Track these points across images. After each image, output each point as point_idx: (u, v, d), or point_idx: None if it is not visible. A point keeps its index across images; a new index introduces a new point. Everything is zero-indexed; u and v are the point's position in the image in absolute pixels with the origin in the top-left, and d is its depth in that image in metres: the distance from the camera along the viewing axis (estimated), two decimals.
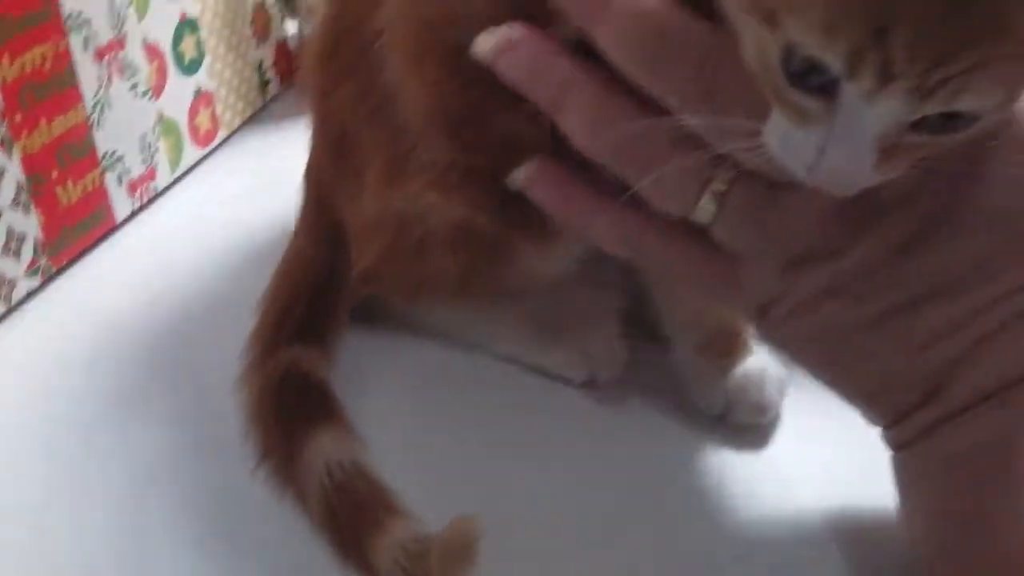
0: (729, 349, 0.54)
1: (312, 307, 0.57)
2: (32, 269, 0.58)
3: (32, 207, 0.57)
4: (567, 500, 0.49)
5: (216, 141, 0.73)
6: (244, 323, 0.56)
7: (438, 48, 0.47)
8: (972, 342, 0.41)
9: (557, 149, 0.45)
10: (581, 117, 0.43)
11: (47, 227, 0.59)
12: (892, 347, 0.42)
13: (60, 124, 0.58)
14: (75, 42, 0.58)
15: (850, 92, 0.35)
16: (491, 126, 0.47)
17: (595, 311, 0.57)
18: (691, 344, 0.54)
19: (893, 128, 0.36)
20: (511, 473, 0.51)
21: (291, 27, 0.82)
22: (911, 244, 0.42)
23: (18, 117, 0.56)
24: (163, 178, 0.67)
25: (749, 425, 0.54)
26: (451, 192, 0.49)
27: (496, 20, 0.44)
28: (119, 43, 0.62)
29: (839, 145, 0.36)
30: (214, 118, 0.72)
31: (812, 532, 0.48)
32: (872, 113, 0.35)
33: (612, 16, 0.40)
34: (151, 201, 0.67)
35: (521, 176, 0.46)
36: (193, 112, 0.69)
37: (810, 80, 0.35)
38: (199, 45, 0.69)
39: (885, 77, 0.34)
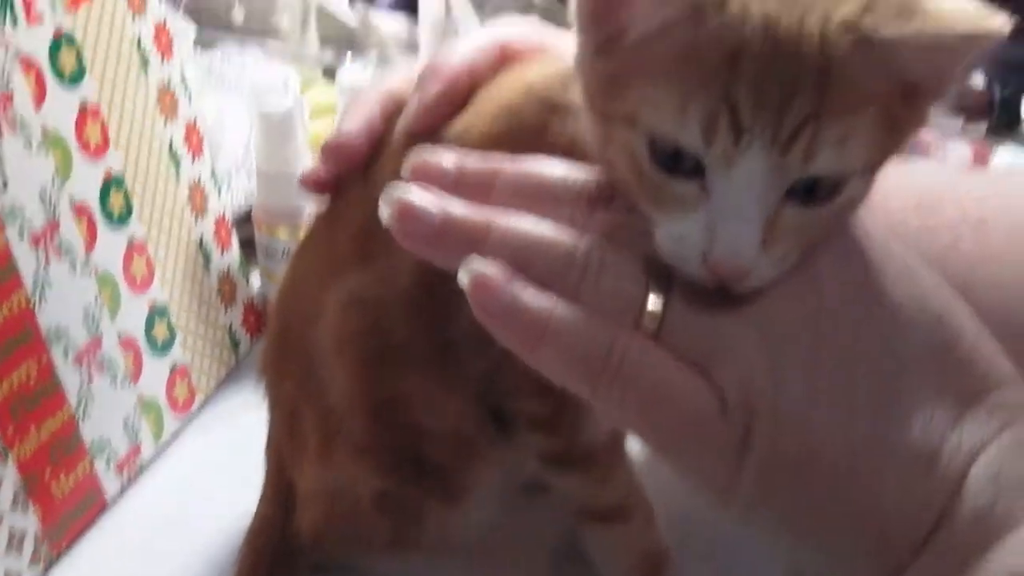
0: (654, 570, 0.60)
1: (276, 566, 0.64)
2: (34, 561, 0.65)
3: (30, 505, 0.64)
4: None
5: (195, 406, 0.80)
6: None
7: (363, 352, 0.55)
8: (968, 455, 0.39)
9: (465, 441, 0.53)
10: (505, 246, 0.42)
11: (44, 519, 0.65)
12: (896, 464, 0.39)
13: (49, 427, 0.66)
14: (56, 353, 0.66)
15: (714, 161, 0.39)
16: (404, 413, 0.55)
17: (526, 552, 0.64)
18: (619, 571, 0.61)
19: (766, 196, 0.39)
20: None
21: (255, 282, 0.90)
22: (870, 336, 0.40)
23: (10, 429, 0.63)
24: (147, 451, 0.75)
25: None
26: (372, 464, 0.57)
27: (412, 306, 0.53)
28: (96, 343, 0.69)
29: (724, 221, 0.39)
30: (190, 387, 0.79)
31: None
32: (740, 173, 0.39)
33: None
34: (137, 474, 0.74)
35: (465, 277, 0.41)
36: (170, 386, 0.77)
37: (679, 167, 0.40)
38: (170, 327, 0.77)
39: (737, 133, 0.38)
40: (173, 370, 0.77)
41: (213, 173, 0.84)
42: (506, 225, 0.41)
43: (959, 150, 1.08)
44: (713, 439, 0.40)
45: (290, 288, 0.61)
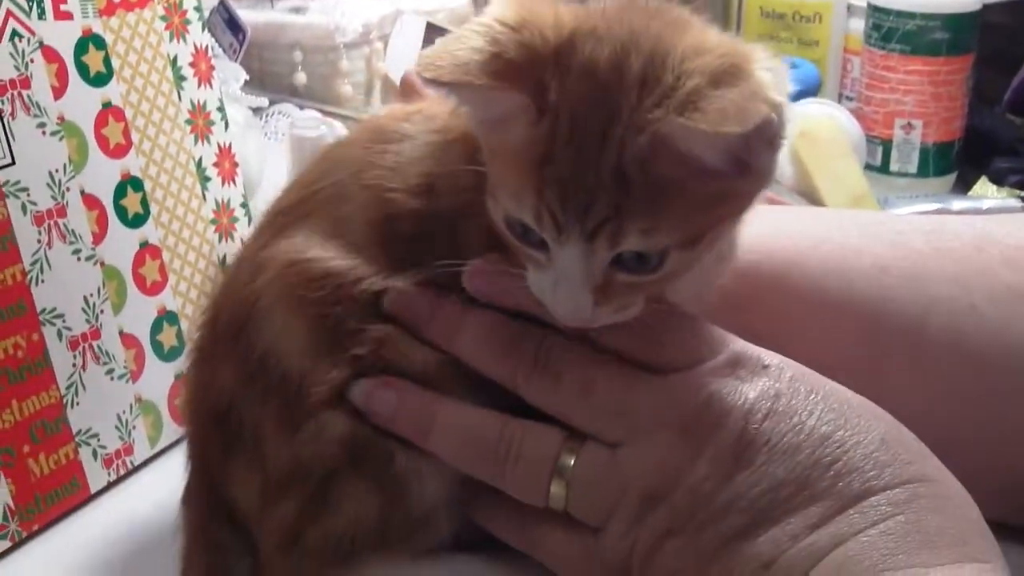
0: None
1: None
2: (2, 533, 0.65)
3: (2, 478, 0.64)
4: None
5: None
6: None
7: (309, 294, 0.55)
8: (811, 558, 0.45)
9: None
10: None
11: (17, 495, 0.65)
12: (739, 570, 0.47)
13: (33, 404, 0.66)
14: (49, 333, 0.67)
15: (549, 241, 0.47)
16: (352, 340, 0.55)
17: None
18: None
19: (593, 268, 0.47)
20: None
21: None
22: (734, 468, 0.48)
23: None
24: (141, 453, 0.74)
25: None
26: (338, 401, 0.55)
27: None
28: (94, 333, 0.70)
29: (561, 284, 0.48)
30: None
31: None
32: (566, 255, 0.47)
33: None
34: (128, 474, 0.74)
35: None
36: (174, 394, 0.77)
37: (531, 236, 0.48)
38: (180, 336, 0.78)
39: (558, 226, 0.46)
40: (179, 378, 0.78)
41: (245, 203, 0.86)
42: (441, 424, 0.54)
43: None
44: None
45: (223, 285, 0.61)
